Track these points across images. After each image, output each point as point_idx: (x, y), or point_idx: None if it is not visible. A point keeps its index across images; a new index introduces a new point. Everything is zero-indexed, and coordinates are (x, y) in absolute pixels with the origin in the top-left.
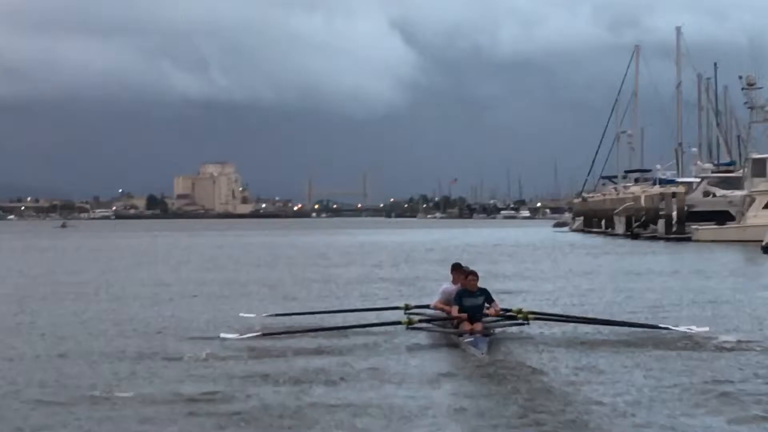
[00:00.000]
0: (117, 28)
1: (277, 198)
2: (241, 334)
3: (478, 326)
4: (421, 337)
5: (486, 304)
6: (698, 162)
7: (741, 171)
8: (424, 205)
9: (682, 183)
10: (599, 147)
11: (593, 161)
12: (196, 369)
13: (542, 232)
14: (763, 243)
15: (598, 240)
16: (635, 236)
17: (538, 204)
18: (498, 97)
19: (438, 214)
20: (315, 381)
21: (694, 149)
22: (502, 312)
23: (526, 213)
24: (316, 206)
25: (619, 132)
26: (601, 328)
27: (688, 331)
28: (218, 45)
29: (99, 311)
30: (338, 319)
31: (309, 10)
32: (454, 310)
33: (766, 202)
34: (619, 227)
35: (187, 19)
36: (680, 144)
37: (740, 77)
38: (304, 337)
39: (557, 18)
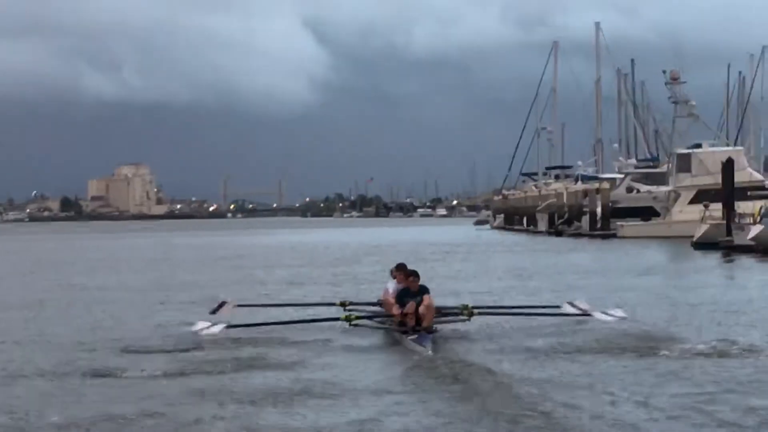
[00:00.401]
0: (29, 28)
1: (192, 198)
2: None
3: (423, 323)
4: (363, 334)
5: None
6: (620, 158)
7: (664, 166)
8: (340, 204)
9: (605, 179)
10: (518, 144)
11: (513, 158)
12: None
13: (463, 230)
14: (694, 239)
15: (522, 238)
16: (559, 233)
17: (455, 202)
18: (413, 96)
19: (354, 213)
20: (255, 376)
21: (615, 145)
22: (444, 309)
23: (442, 211)
24: (232, 206)
25: (539, 128)
26: (542, 319)
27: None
28: (132, 45)
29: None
30: (281, 313)
31: (222, 10)
32: (395, 309)
33: (691, 197)
34: (542, 225)
35: (100, 20)
36: (600, 140)
37: (664, 72)
38: (254, 329)
39: (471, 16)
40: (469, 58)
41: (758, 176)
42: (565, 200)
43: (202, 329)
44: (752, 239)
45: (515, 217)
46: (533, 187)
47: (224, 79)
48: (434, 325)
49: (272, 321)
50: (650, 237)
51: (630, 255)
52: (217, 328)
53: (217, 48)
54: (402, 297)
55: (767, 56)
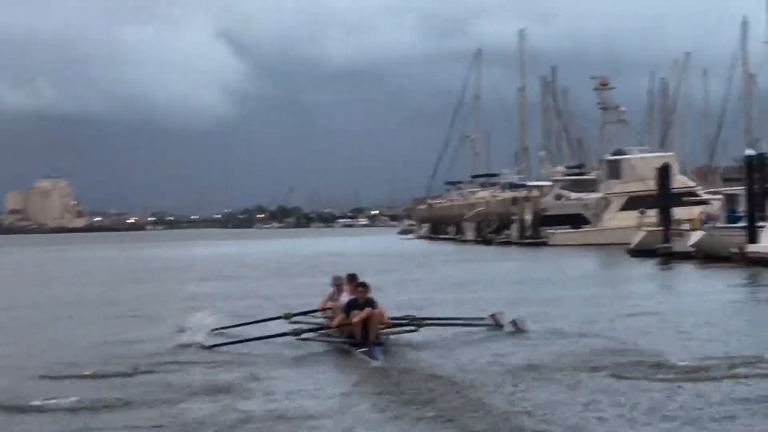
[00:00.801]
0: None
1: (112, 211)
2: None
3: (370, 335)
4: (311, 348)
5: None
6: (547, 165)
7: (594, 173)
8: (261, 216)
9: (533, 187)
10: (442, 152)
11: (436, 167)
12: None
13: (388, 240)
14: (631, 246)
15: (450, 247)
16: (488, 242)
17: (376, 212)
18: (331, 106)
19: (275, 224)
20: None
21: (542, 152)
22: (392, 320)
23: (364, 221)
24: (151, 219)
25: (463, 136)
26: (480, 331)
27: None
28: (46, 57)
29: None
30: (230, 333)
31: (136, 22)
32: (340, 319)
33: (622, 204)
34: (470, 233)
35: (12, 30)
36: (526, 148)
37: (592, 78)
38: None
39: (386, 27)
40: (385, 68)
41: (690, 182)
42: (493, 208)
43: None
44: (693, 246)
45: (441, 226)
46: (458, 195)
47: (140, 91)
48: (382, 337)
49: (228, 341)
50: (581, 245)
51: (566, 264)
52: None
53: (131, 60)
54: (349, 308)
55: (692, 62)
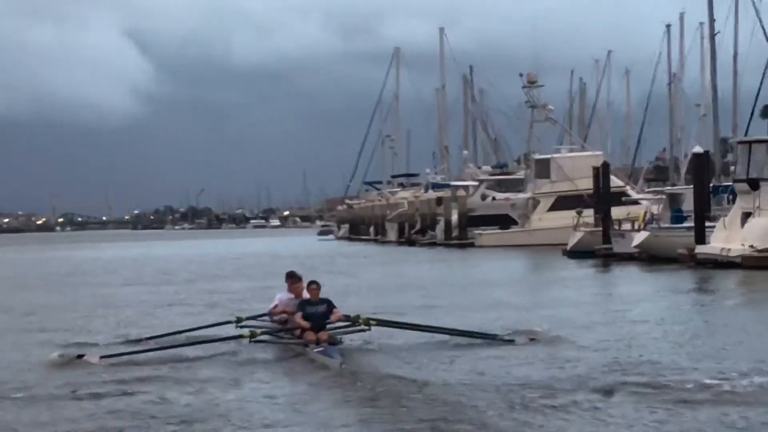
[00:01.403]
0: None
1: (19, 212)
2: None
3: (324, 335)
4: (266, 350)
5: (328, 313)
6: (470, 165)
7: (520, 173)
8: (171, 216)
9: (458, 186)
10: (361, 152)
11: (356, 167)
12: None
13: (307, 240)
14: (568, 247)
15: (372, 248)
16: (412, 243)
17: (286, 213)
18: (238, 106)
19: (186, 225)
20: (166, 406)
21: (466, 152)
22: (343, 317)
23: (276, 222)
24: (60, 219)
25: (383, 136)
26: (433, 335)
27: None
28: None
29: None
30: (172, 340)
31: (38, 20)
32: (298, 318)
33: (550, 204)
34: (392, 234)
35: None
36: (446, 147)
37: (521, 75)
38: (143, 356)
39: (291, 26)
40: (291, 67)
41: (619, 182)
42: (416, 209)
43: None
44: (637, 247)
45: (362, 227)
46: (378, 196)
47: (43, 90)
48: (337, 337)
49: (171, 345)
50: (509, 245)
51: (499, 265)
52: (92, 359)
53: (33, 59)
54: (304, 307)
55: (613, 62)
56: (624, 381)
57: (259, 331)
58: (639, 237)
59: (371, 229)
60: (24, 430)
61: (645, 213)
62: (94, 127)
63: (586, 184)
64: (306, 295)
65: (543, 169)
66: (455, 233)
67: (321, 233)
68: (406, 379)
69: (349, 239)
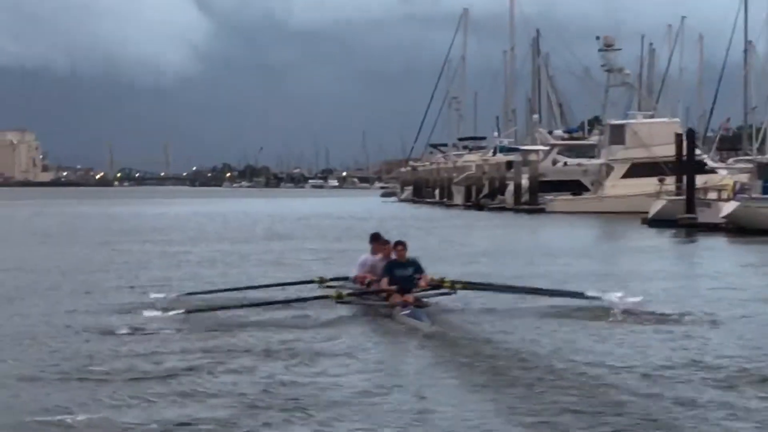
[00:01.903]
0: None
1: (78, 166)
2: (163, 312)
3: (410, 298)
4: (353, 311)
5: (416, 275)
6: (540, 129)
7: (593, 138)
8: (228, 174)
9: (529, 151)
10: (426, 114)
11: (420, 128)
12: (127, 345)
13: (371, 202)
14: (649, 215)
15: (439, 212)
16: (480, 207)
17: (344, 173)
18: (295, 66)
19: (245, 183)
20: (259, 358)
21: (536, 116)
22: (430, 280)
23: (334, 182)
24: (118, 174)
25: (450, 98)
26: (525, 296)
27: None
28: (6, 11)
29: None
30: (257, 295)
31: None
32: (384, 282)
33: (624, 170)
34: (458, 197)
35: None
36: (514, 110)
37: (597, 38)
38: (229, 313)
39: None
40: (349, 29)
41: (697, 151)
42: (484, 172)
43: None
44: (726, 217)
45: (426, 189)
46: (442, 158)
47: (104, 46)
48: (423, 300)
49: (259, 302)
50: (581, 212)
51: (575, 233)
52: (171, 312)
53: (95, 15)
54: (392, 269)
55: (686, 28)
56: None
57: (344, 292)
58: (728, 207)
59: (436, 192)
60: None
61: (735, 183)
62: (152, 84)
63: (661, 151)
64: (393, 256)
65: (618, 134)
66: (525, 198)
67: (384, 195)
68: (495, 342)
69: (413, 201)
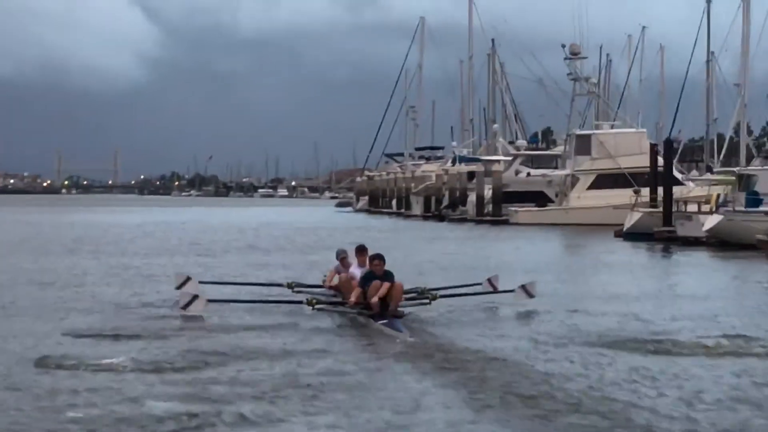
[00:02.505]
0: None
1: (25, 173)
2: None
3: (386, 307)
4: (328, 319)
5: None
6: (500, 139)
7: (558, 148)
8: (177, 183)
9: (490, 161)
10: (381, 123)
11: (375, 138)
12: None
13: (325, 211)
14: (624, 228)
15: (398, 222)
16: (442, 218)
17: (294, 183)
18: (244, 74)
19: (193, 192)
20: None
21: (496, 125)
22: (407, 292)
23: (284, 192)
24: (66, 182)
25: (407, 107)
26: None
27: None
28: None
29: None
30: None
31: None
32: (357, 293)
33: (590, 182)
34: (417, 208)
35: None
36: (471, 121)
37: (563, 46)
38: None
39: None
40: (296, 38)
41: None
42: (444, 182)
43: (184, 305)
44: (709, 231)
45: (383, 200)
46: (397, 168)
47: (51, 54)
48: (400, 310)
49: (245, 299)
50: (545, 224)
51: (545, 246)
52: (200, 304)
53: (41, 23)
54: (366, 281)
55: (647, 38)
56: None
57: (320, 298)
58: (712, 220)
59: (394, 202)
60: None
61: (717, 195)
62: (99, 92)
63: (628, 162)
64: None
65: (584, 145)
66: (488, 209)
67: (339, 205)
68: (473, 350)
69: (369, 212)
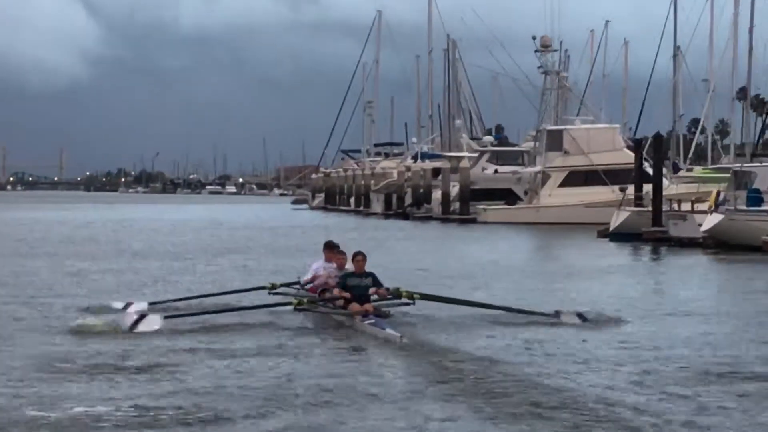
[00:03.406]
0: None
1: None
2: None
3: (370, 307)
4: (313, 319)
5: (371, 288)
6: (464, 135)
7: (526, 144)
8: (123, 179)
9: (455, 157)
10: (337, 119)
11: (330, 134)
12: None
13: (281, 209)
14: (611, 228)
15: (359, 221)
16: (406, 216)
17: (240, 179)
18: (187, 70)
19: (140, 189)
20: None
21: (459, 121)
22: (386, 292)
23: (232, 189)
24: (11, 179)
25: (364, 102)
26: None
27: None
28: None
29: None
30: (212, 302)
31: None
32: (336, 292)
33: (562, 179)
34: (377, 206)
35: None
36: (431, 116)
37: (533, 38)
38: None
39: None
40: (238, 35)
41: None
42: (406, 179)
43: (133, 322)
44: (708, 231)
45: (340, 197)
46: (355, 165)
47: None
48: (385, 309)
49: (215, 309)
50: (515, 223)
51: (522, 247)
52: (154, 320)
53: None
54: (345, 279)
55: (610, 32)
56: None
57: (304, 299)
58: (711, 220)
59: (352, 199)
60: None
61: (717, 192)
62: (44, 89)
63: (600, 158)
64: (350, 266)
65: (555, 141)
66: (454, 207)
67: (296, 202)
68: (461, 351)
69: (326, 209)
